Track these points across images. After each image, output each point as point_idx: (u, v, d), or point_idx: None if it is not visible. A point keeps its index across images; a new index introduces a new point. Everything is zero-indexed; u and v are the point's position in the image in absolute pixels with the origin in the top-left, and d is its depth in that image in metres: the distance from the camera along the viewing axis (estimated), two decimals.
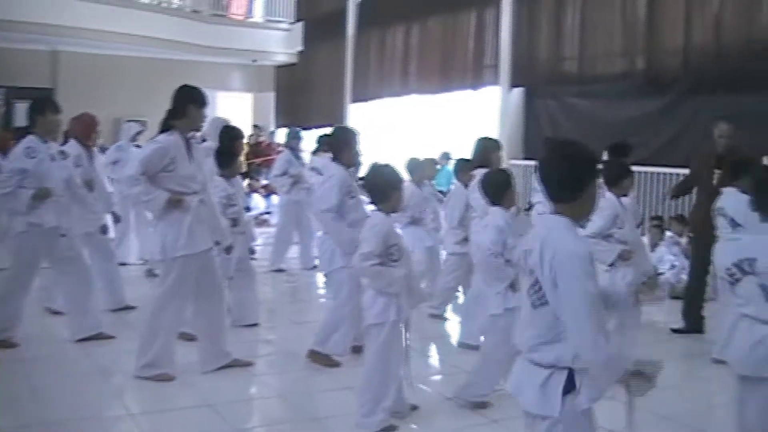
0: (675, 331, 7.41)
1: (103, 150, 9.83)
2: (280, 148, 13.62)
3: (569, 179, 2.92)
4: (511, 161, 13.56)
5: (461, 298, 7.91)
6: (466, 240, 7.01)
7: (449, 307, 7.93)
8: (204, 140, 7.54)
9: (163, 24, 19.12)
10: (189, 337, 6.13)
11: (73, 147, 7.23)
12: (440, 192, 10.15)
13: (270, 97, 23.44)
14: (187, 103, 5.52)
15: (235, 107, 21.27)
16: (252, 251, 7.73)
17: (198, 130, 5.84)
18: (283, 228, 10.37)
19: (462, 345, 6.68)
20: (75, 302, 6.52)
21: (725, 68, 10.59)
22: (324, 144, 10.56)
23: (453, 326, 7.51)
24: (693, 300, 7.44)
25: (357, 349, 5.86)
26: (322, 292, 9.01)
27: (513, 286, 4.91)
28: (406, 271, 4.69)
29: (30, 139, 6.21)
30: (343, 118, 19.64)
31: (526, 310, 2.97)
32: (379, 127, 18.52)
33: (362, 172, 6.01)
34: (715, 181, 7.04)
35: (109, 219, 7.85)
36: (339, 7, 19.98)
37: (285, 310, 8.44)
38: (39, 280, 6.68)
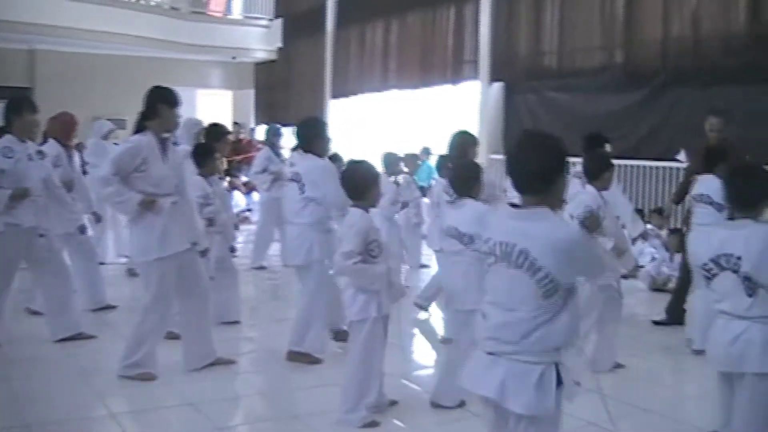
0: (656, 323, 7.45)
1: (79, 149, 9.76)
2: (260, 146, 13.56)
3: (539, 171, 2.91)
4: (491, 156, 13.61)
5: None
6: None
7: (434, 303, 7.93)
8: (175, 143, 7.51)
9: (142, 22, 19.04)
10: (172, 336, 6.13)
11: (52, 147, 7.19)
12: (421, 188, 10.17)
13: (250, 94, 23.39)
14: (159, 104, 5.47)
15: (214, 105, 21.24)
16: (233, 249, 7.71)
17: (171, 131, 5.75)
18: (264, 225, 10.34)
19: (445, 341, 6.68)
20: (54, 303, 6.48)
21: (703, 62, 10.67)
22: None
23: (437, 321, 7.52)
24: (680, 293, 7.47)
25: (341, 336, 5.92)
26: None
27: None
28: (386, 266, 4.69)
29: (7, 139, 6.15)
30: (323, 114, 19.62)
31: (505, 308, 2.94)
32: (359, 122, 18.55)
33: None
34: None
35: (88, 219, 7.81)
36: (318, 3, 19.97)
37: (266, 307, 8.43)
38: (18, 282, 6.62)
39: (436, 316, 7.67)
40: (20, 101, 6.40)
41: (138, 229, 5.45)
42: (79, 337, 6.48)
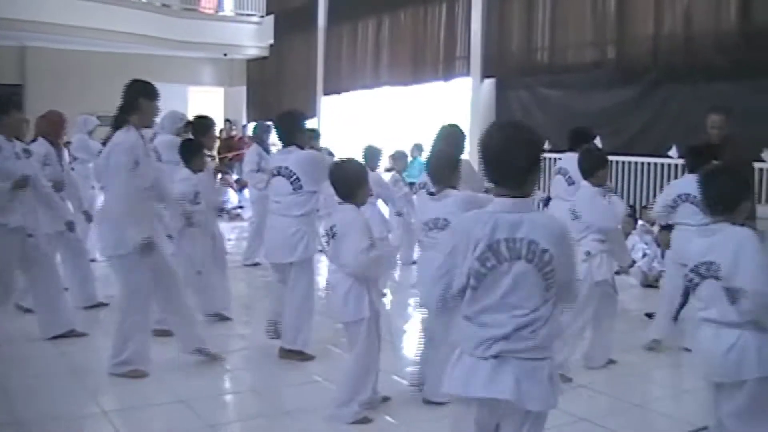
0: (649, 315, 7.41)
1: (67, 147, 9.73)
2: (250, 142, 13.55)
3: (526, 165, 2.86)
4: None
5: None
6: None
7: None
8: (155, 135, 7.52)
9: (133, 19, 18.98)
10: (164, 333, 6.11)
11: (41, 145, 7.18)
12: (411, 184, 10.16)
13: (242, 91, 23.36)
14: (138, 97, 5.44)
15: (206, 101, 21.18)
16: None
17: (151, 125, 5.74)
18: (257, 222, 10.32)
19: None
20: (44, 301, 6.46)
21: (694, 59, 10.69)
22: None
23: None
24: None
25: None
26: None
27: None
28: (380, 252, 4.83)
29: None
30: (315, 111, 19.62)
31: (511, 309, 2.85)
32: (351, 119, 18.55)
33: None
34: None
35: (80, 216, 7.79)
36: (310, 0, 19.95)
37: (259, 304, 8.39)
38: None
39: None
40: (7, 101, 6.39)
41: (109, 224, 5.43)
42: (70, 334, 6.47)
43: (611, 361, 6.04)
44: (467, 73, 14.73)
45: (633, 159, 11.40)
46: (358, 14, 18.22)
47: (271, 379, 5.86)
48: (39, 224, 6.40)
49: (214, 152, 18.61)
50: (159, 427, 4.85)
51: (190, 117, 8.04)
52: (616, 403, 5.37)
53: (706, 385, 3.91)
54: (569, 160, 7.53)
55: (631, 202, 10.85)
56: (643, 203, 10.90)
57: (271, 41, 21.74)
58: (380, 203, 9.49)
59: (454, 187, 5.03)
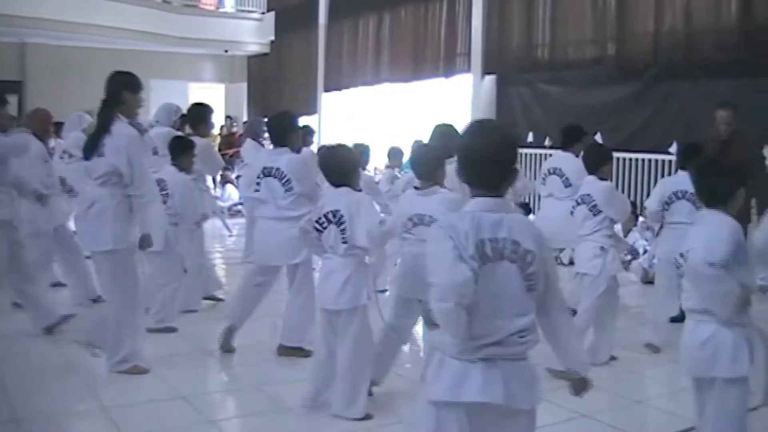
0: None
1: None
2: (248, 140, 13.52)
3: (510, 167, 2.80)
4: None
5: None
6: None
7: None
8: (151, 126, 7.51)
9: (133, 15, 18.98)
10: (168, 330, 6.11)
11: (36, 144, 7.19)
12: None
13: (243, 87, 23.36)
14: (121, 90, 5.37)
15: (207, 98, 21.14)
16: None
17: (135, 118, 5.63)
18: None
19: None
20: (27, 297, 6.48)
21: (694, 56, 10.69)
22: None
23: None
24: None
25: None
26: None
27: None
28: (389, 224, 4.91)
29: None
30: (316, 108, 19.63)
31: (498, 312, 2.73)
32: (352, 116, 18.53)
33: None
34: None
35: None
36: None
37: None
38: None
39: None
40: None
41: (105, 218, 5.36)
42: (63, 321, 6.46)
43: (612, 358, 6.05)
44: (468, 70, 14.72)
45: (633, 156, 11.40)
46: (358, 11, 18.22)
47: (271, 375, 5.86)
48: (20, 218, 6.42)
49: (215, 147, 18.69)
50: (159, 423, 4.84)
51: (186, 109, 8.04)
52: (617, 399, 5.38)
53: (691, 383, 3.86)
54: (564, 160, 7.51)
55: (632, 199, 10.84)
56: (644, 200, 10.89)
57: (272, 38, 21.73)
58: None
59: (439, 184, 5.00)
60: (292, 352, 5.99)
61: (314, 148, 10.06)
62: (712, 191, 3.74)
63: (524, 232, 2.73)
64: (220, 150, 18.87)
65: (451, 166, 4.90)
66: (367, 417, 4.75)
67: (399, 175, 10.03)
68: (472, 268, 2.61)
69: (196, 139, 7.19)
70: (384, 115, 17.46)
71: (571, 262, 7.82)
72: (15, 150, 6.34)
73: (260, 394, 5.50)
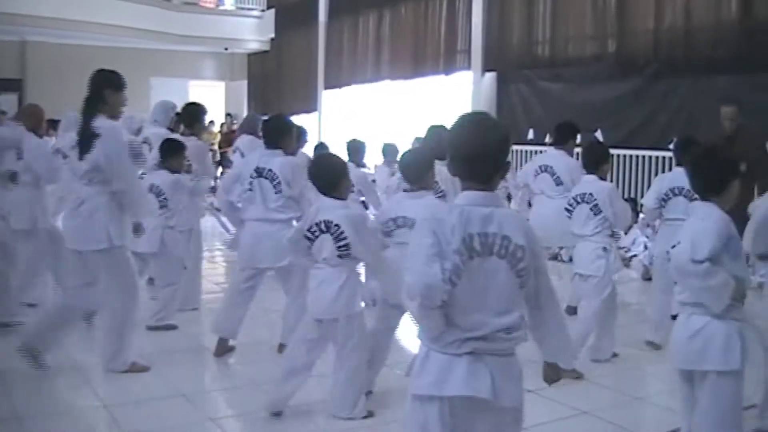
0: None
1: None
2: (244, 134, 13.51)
3: (503, 159, 2.76)
4: None
5: None
6: None
7: None
8: (154, 123, 7.49)
9: (134, 13, 18.98)
10: (169, 327, 6.10)
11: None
12: None
13: (243, 85, 23.37)
14: (104, 88, 5.27)
15: (207, 96, 21.18)
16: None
17: (118, 117, 5.52)
18: None
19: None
20: None
21: (694, 52, 10.70)
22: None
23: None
24: None
25: None
26: None
27: None
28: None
29: None
30: (316, 105, 19.63)
31: (485, 307, 2.70)
32: (352, 113, 18.54)
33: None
34: None
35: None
36: None
37: (258, 300, 8.38)
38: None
39: None
40: None
41: (101, 216, 5.31)
42: (11, 323, 6.48)
43: (614, 354, 6.05)
44: (468, 67, 14.73)
45: (633, 152, 11.40)
46: (358, 8, 18.23)
47: (271, 373, 5.81)
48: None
49: (215, 145, 18.69)
50: (159, 421, 4.84)
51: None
52: (618, 396, 5.38)
53: (678, 380, 3.81)
54: (555, 158, 7.49)
55: (632, 195, 10.84)
56: (644, 196, 10.90)
57: (272, 35, 21.74)
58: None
59: (428, 188, 4.98)
60: None
61: (312, 146, 10.00)
62: (705, 180, 3.69)
63: (515, 227, 2.70)
64: (220, 147, 18.93)
65: (444, 168, 4.86)
66: (369, 415, 4.77)
67: (394, 171, 10.02)
68: (448, 269, 2.59)
69: (193, 142, 7.16)
70: (384, 113, 17.47)
71: (572, 260, 7.81)
72: (3, 142, 6.39)
73: (260, 392, 5.48)
